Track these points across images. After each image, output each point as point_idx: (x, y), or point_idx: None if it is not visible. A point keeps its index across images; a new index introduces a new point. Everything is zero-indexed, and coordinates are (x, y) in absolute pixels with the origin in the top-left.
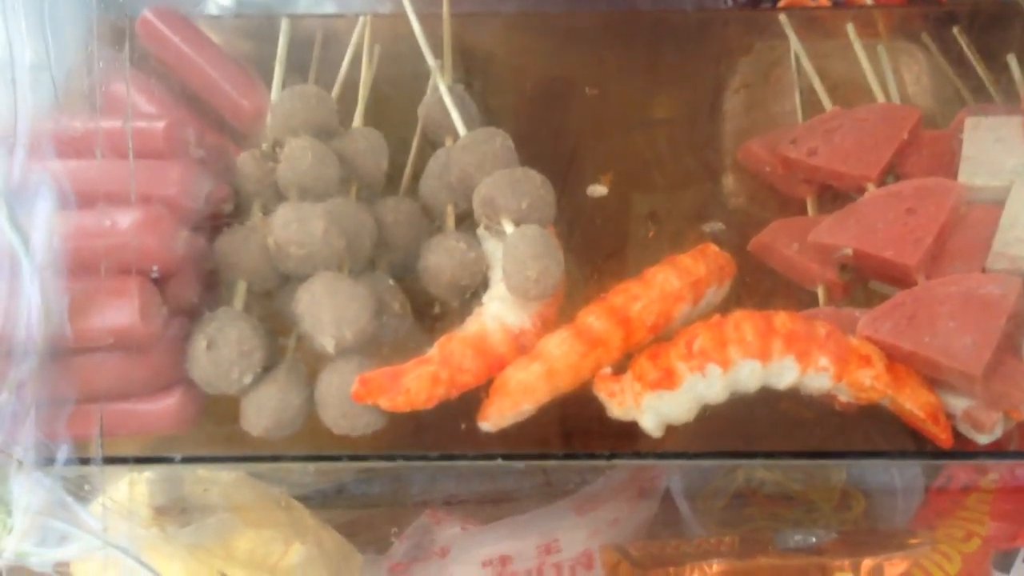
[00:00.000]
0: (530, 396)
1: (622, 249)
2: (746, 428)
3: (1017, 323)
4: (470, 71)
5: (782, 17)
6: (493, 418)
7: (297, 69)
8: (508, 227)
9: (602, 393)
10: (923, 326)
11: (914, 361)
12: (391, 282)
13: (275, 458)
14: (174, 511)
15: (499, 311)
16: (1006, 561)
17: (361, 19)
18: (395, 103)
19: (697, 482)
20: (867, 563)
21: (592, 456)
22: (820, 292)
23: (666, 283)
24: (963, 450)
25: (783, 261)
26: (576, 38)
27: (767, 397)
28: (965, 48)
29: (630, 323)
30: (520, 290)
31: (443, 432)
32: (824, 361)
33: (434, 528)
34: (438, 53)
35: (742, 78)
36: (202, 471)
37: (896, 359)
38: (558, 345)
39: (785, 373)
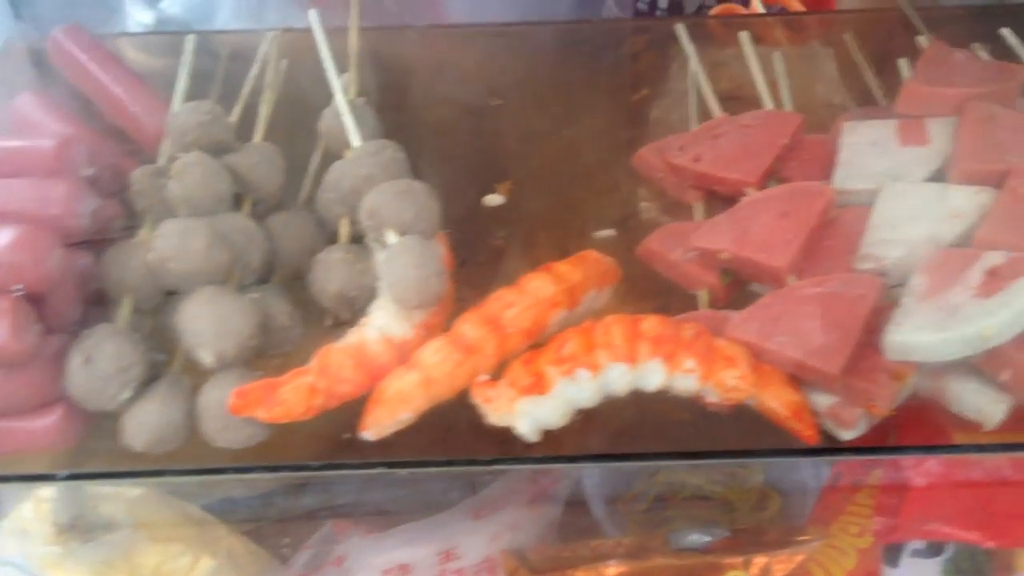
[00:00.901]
0: (407, 404)
1: (517, 257)
2: (635, 429)
3: (876, 322)
4: (379, 84)
5: (679, 27)
6: (372, 427)
7: (210, 86)
8: (392, 238)
9: (479, 399)
10: (787, 326)
11: (779, 360)
12: (280, 295)
13: (159, 472)
14: (79, 528)
15: (382, 321)
16: (894, 555)
17: (269, 35)
18: (304, 118)
19: (620, 486)
20: (758, 560)
21: (472, 463)
22: (702, 295)
23: (540, 289)
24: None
25: (668, 266)
26: (484, 50)
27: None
28: (855, 54)
29: (504, 330)
30: (401, 300)
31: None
32: (690, 363)
33: (337, 538)
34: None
35: (643, 87)
36: (107, 487)
37: (763, 359)
38: (433, 354)
39: (652, 375)
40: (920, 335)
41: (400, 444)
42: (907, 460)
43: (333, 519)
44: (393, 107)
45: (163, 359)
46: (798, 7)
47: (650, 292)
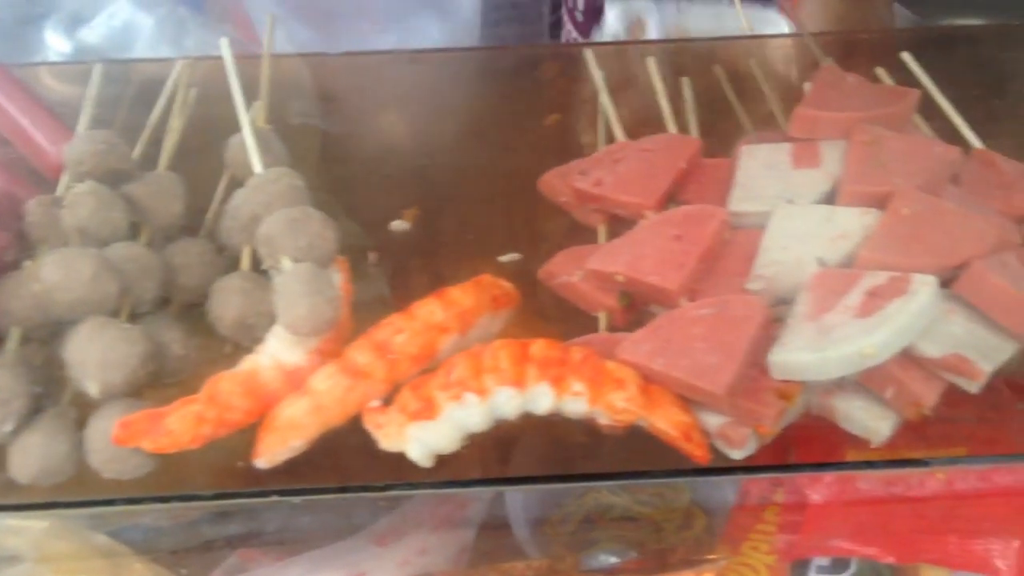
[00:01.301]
0: (298, 432)
1: (422, 283)
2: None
3: (764, 342)
4: (294, 111)
5: (587, 52)
6: (265, 455)
7: (118, 114)
8: (288, 265)
9: (370, 426)
10: (675, 347)
11: (668, 382)
12: (174, 324)
13: (47, 505)
14: None
15: (275, 348)
16: (801, 572)
17: (179, 63)
18: (214, 146)
19: (548, 508)
20: None
21: (365, 488)
22: (601, 318)
23: (430, 315)
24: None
25: (568, 289)
26: (398, 77)
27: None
28: (761, 79)
29: (393, 355)
30: (292, 327)
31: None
32: (578, 386)
33: (244, 566)
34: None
35: (555, 112)
36: (11, 520)
37: (654, 381)
38: (323, 380)
39: (541, 399)
40: (802, 354)
41: (302, 470)
42: (805, 478)
43: (243, 548)
44: (306, 134)
45: (48, 391)
46: None
47: (552, 315)
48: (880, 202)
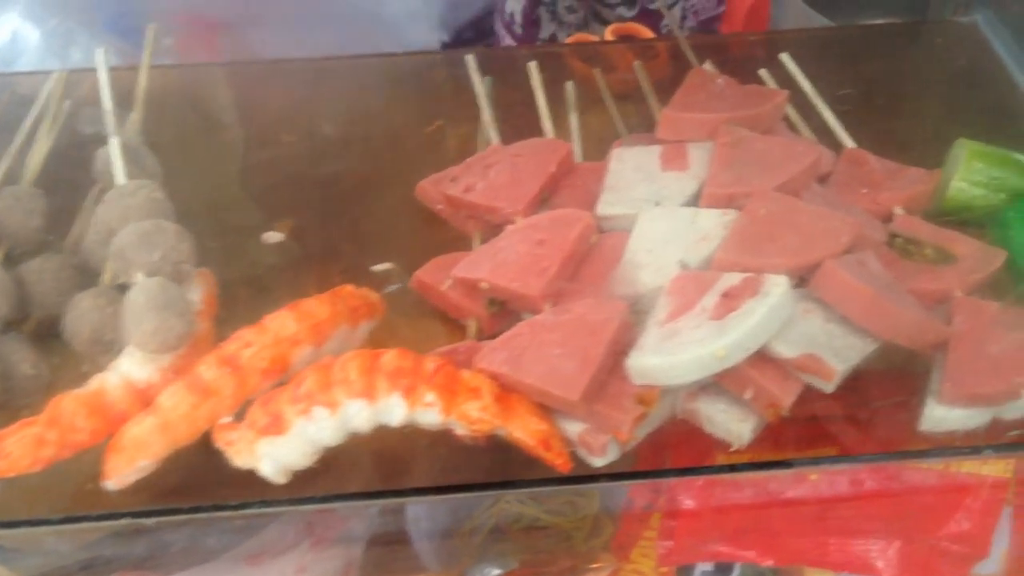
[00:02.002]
0: (145, 451)
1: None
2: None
3: (624, 347)
4: (174, 122)
5: (468, 58)
6: (113, 476)
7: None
8: (137, 275)
9: (220, 443)
10: (531, 354)
11: (525, 389)
12: (24, 343)
13: None
14: None
15: (126, 366)
16: None
17: (53, 75)
18: (86, 159)
19: (460, 518)
20: None
21: (218, 508)
22: (471, 326)
23: (282, 328)
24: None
25: (438, 297)
26: (283, 86)
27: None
28: (643, 81)
29: (242, 370)
30: (140, 344)
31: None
32: (431, 396)
33: None
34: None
35: (440, 119)
36: None
37: (511, 389)
38: (169, 398)
39: (393, 410)
40: (658, 358)
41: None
42: (679, 483)
43: (125, 570)
44: (185, 145)
45: None
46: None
47: (423, 325)
48: (740, 203)
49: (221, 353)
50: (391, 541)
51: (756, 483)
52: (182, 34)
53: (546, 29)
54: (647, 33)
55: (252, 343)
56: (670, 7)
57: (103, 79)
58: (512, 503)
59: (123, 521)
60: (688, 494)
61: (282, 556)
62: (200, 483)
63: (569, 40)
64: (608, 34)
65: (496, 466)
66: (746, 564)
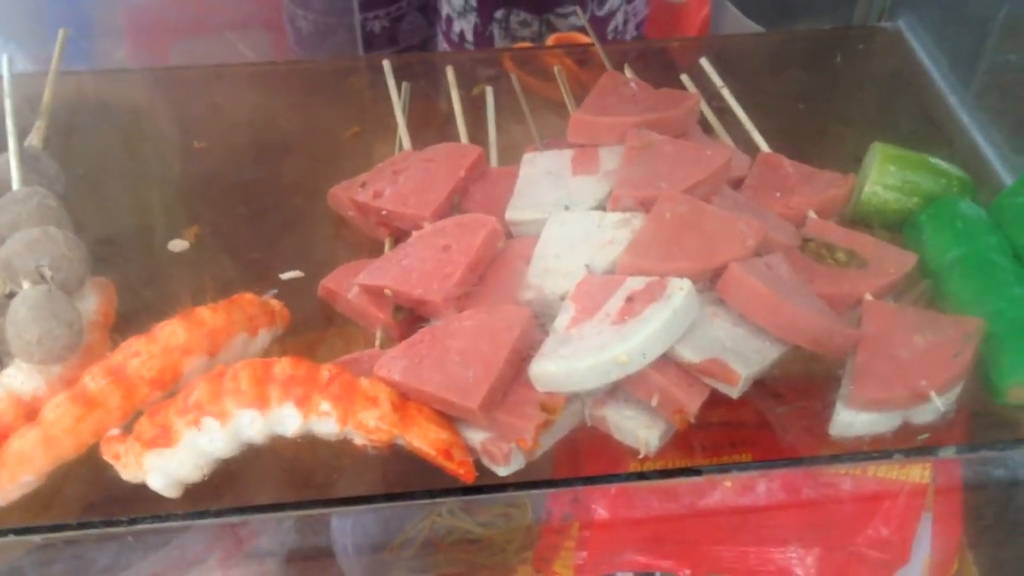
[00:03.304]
0: (28, 466)
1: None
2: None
3: (528, 354)
4: (84, 129)
5: (385, 63)
6: None
7: None
8: (28, 287)
9: (108, 456)
10: (432, 362)
11: (425, 398)
12: None
13: None
14: None
15: (11, 378)
16: None
17: None
18: None
19: (392, 532)
20: None
21: (110, 523)
22: (378, 334)
23: (172, 337)
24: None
25: (346, 305)
26: (200, 92)
27: None
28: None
29: (129, 381)
30: (23, 354)
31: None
32: (326, 406)
33: None
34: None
35: (357, 124)
36: None
37: (412, 397)
38: (53, 410)
39: (287, 421)
40: (559, 364)
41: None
42: (592, 492)
43: None
44: (96, 152)
45: None
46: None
47: (331, 333)
48: (649, 207)
49: (107, 363)
50: (312, 556)
51: (670, 491)
52: (132, 42)
53: (500, 45)
54: (585, 41)
55: (140, 353)
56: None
57: (5, 86)
58: (444, 516)
59: (8, 538)
60: (600, 503)
61: (187, 573)
62: (95, 498)
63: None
64: (550, 44)
65: (425, 476)
66: (664, 574)
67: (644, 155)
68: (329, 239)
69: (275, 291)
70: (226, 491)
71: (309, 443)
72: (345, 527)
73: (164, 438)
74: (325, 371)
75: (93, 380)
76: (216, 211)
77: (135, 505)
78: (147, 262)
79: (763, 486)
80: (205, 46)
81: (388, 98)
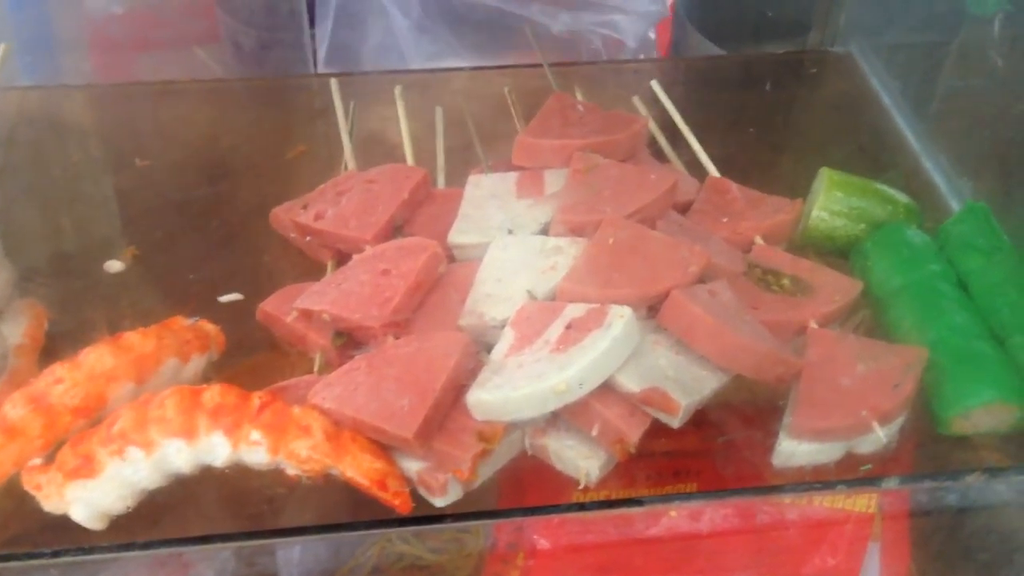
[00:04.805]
0: None
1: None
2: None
3: (463, 382)
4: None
5: (333, 82)
6: None
7: None
8: None
9: (29, 487)
10: (368, 390)
11: (360, 426)
12: None
13: None
14: None
15: None
16: None
17: None
18: None
19: (344, 558)
20: None
21: (33, 556)
22: (317, 359)
23: (98, 362)
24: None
25: (286, 329)
26: (145, 109)
27: None
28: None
29: (52, 409)
30: None
31: None
32: (256, 435)
33: None
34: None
35: (302, 144)
36: None
37: (346, 426)
38: None
39: (216, 450)
40: (497, 392)
41: None
42: (534, 522)
43: None
44: (36, 170)
45: None
46: None
47: (269, 358)
48: (593, 231)
49: (30, 390)
50: None
51: (615, 521)
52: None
53: None
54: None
55: (64, 379)
56: None
57: None
58: (395, 542)
59: None
60: (543, 534)
61: None
62: (17, 530)
63: None
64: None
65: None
66: None
67: (588, 179)
68: (271, 261)
69: (198, 318)
70: (163, 518)
71: (245, 471)
72: (291, 553)
73: (87, 468)
74: (256, 399)
75: (14, 408)
76: (155, 231)
77: (61, 536)
78: (81, 284)
79: (708, 516)
80: (171, 61)
81: (335, 117)
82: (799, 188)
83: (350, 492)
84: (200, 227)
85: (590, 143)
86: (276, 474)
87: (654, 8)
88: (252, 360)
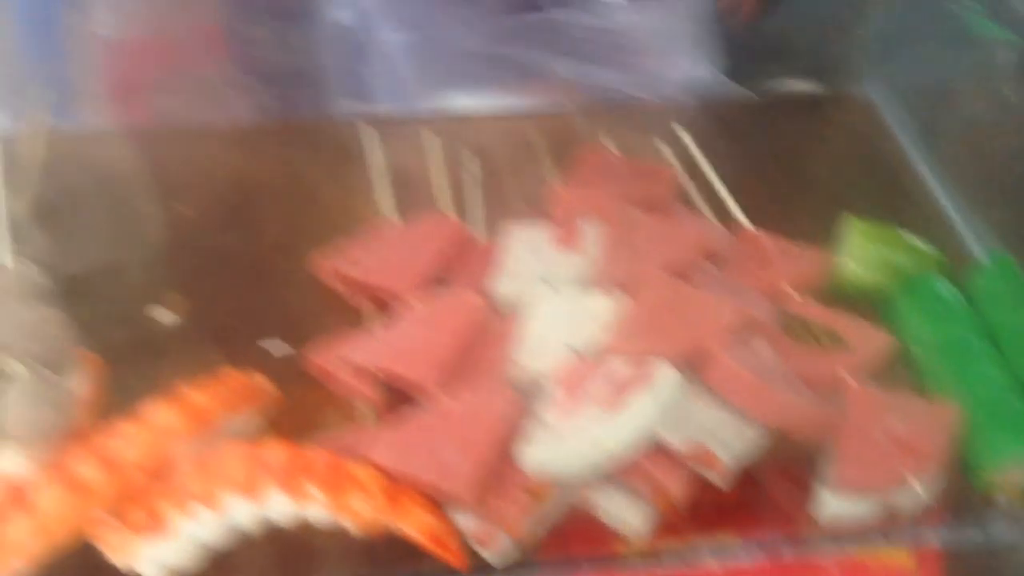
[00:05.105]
0: (19, 553)
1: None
2: None
3: (512, 437)
4: (63, 192)
5: (365, 124)
6: None
7: None
8: (17, 367)
9: (99, 544)
10: (421, 446)
11: (413, 482)
12: None
13: None
14: None
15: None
16: None
17: None
18: None
19: None
20: None
21: None
22: (368, 412)
23: (160, 418)
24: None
25: (332, 380)
26: (186, 153)
27: None
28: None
29: (119, 466)
30: (11, 437)
31: None
32: (316, 492)
33: None
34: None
35: (338, 187)
36: None
37: (401, 481)
38: (45, 495)
39: (278, 507)
40: (547, 450)
41: None
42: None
43: None
44: (78, 216)
45: None
46: None
47: (319, 409)
48: (631, 286)
49: (97, 448)
50: None
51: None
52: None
53: None
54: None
55: (127, 435)
56: None
57: None
58: None
59: None
60: None
61: None
62: None
63: None
64: None
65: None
66: None
67: (626, 232)
68: (311, 305)
69: (249, 370)
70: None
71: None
72: None
73: (153, 525)
74: (314, 455)
75: (83, 465)
76: (193, 276)
77: None
78: (128, 333)
79: (749, 567)
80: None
81: (369, 159)
82: (819, 234)
83: (404, 545)
84: (239, 271)
85: (627, 195)
86: (334, 528)
87: (696, 75)
88: (299, 410)
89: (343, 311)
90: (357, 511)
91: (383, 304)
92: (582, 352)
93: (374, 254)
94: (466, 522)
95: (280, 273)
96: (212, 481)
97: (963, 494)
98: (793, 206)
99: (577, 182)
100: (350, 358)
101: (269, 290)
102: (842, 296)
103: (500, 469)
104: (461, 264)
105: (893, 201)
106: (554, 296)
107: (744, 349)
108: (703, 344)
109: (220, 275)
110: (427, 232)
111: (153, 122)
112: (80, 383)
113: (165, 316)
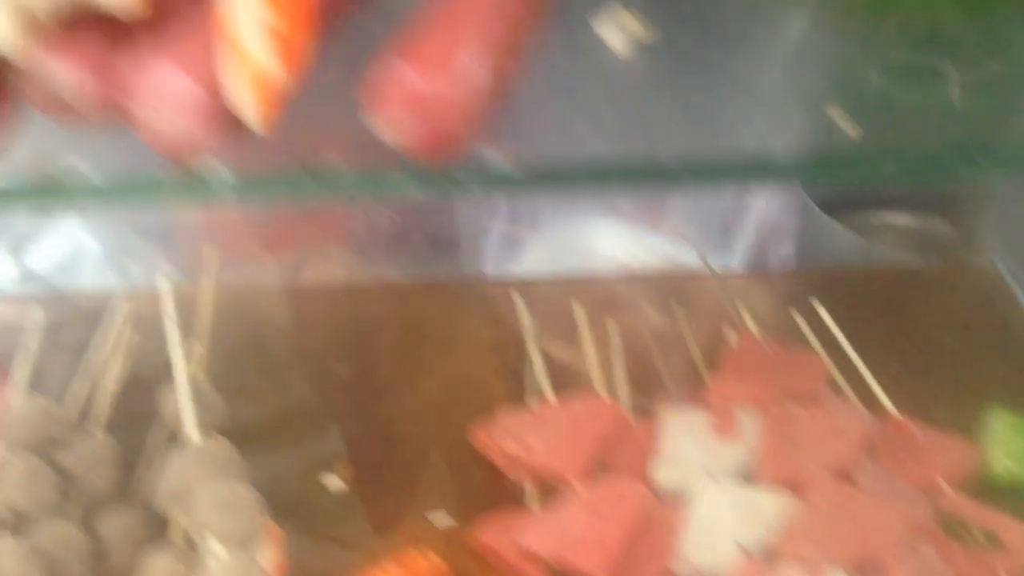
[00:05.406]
0: None
1: (355, 544)
2: None
3: None
4: (232, 352)
5: (516, 296)
6: None
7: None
8: (215, 546)
9: None
10: None
11: None
12: None
13: None
14: None
15: None
16: None
17: (119, 301)
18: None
19: None
20: None
21: None
22: None
23: None
24: None
25: (499, 559)
26: (348, 310)
27: None
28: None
29: None
30: None
31: None
32: None
33: None
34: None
35: (494, 352)
36: None
37: None
38: None
39: None
40: None
41: None
42: None
43: None
44: (238, 378)
45: None
46: None
47: None
48: (795, 483)
49: None
50: None
51: None
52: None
53: None
54: None
55: None
56: None
57: (168, 309)
58: None
59: None
60: None
61: None
62: None
63: None
64: None
65: None
66: None
67: (786, 429)
68: (472, 477)
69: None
70: None
71: None
72: None
73: None
74: None
75: None
76: (359, 442)
77: None
78: (301, 501)
79: None
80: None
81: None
82: (961, 420)
83: None
84: (398, 438)
85: (783, 389)
86: None
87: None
88: None
89: (503, 485)
90: None
91: (544, 483)
92: (751, 552)
93: (537, 434)
94: None
95: (440, 441)
96: None
97: None
98: (931, 386)
99: (730, 374)
100: (520, 541)
101: (430, 459)
102: (994, 492)
103: None
104: (620, 448)
105: None
106: (719, 490)
107: (914, 557)
108: (876, 553)
109: (383, 442)
110: (587, 414)
111: (311, 280)
112: (267, 557)
113: (334, 483)
